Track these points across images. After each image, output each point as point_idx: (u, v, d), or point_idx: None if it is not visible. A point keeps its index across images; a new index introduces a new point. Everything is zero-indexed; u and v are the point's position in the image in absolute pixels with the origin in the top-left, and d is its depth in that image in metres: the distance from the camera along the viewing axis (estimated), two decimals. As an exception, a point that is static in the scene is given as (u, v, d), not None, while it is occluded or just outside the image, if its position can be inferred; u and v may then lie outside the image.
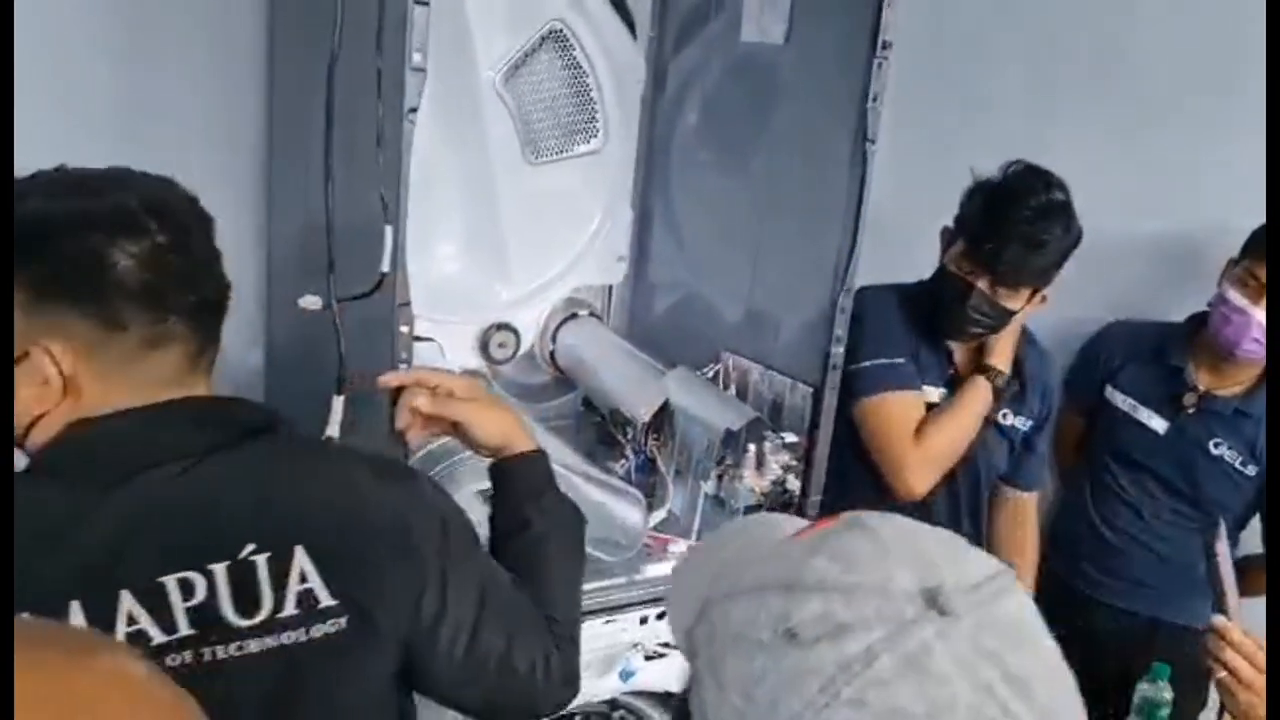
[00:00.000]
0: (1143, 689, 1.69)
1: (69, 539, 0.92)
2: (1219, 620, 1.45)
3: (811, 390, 1.68)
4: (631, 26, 1.84)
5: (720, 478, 1.69)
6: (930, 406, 1.95)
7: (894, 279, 1.99)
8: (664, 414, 1.73)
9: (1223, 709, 1.49)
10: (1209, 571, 1.55)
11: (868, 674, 0.55)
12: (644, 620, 1.59)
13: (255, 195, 1.71)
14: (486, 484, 1.33)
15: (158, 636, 0.93)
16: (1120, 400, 2.28)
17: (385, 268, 1.30)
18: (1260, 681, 1.40)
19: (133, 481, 0.94)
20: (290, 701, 0.98)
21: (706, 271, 1.91)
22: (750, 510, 1.67)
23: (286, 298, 1.40)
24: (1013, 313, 1.89)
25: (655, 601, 1.58)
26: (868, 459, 1.91)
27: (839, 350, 1.65)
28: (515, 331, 1.86)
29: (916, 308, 1.97)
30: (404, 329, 1.35)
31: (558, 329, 1.91)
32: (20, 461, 1.00)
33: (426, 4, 1.24)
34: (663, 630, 1.58)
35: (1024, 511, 2.18)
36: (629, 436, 1.77)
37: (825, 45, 1.62)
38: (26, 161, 1.01)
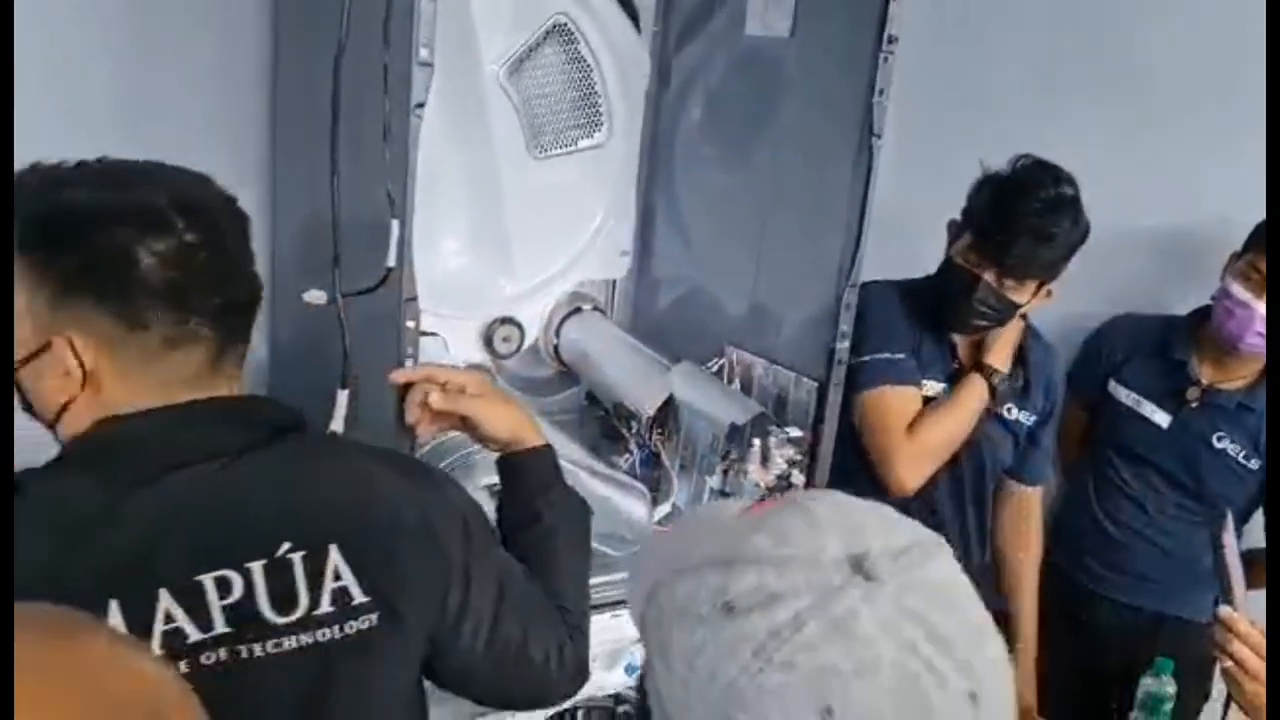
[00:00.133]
0: (1146, 683, 1.70)
1: (102, 536, 0.92)
2: (1225, 611, 1.46)
3: (816, 385, 1.67)
4: (636, 20, 1.83)
5: (725, 472, 1.68)
6: (929, 402, 1.96)
7: (898, 274, 1.99)
8: (668, 408, 1.73)
9: (1229, 700, 1.50)
10: (1216, 563, 1.55)
11: (796, 639, 0.58)
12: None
13: (259, 190, 1.70)
14: (495, 478, 1.34)
15: (194, 634, 0.93)
16: (1123, 394, 2.28)
17: (391, 262, 1.29)
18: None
19: (162, 481, 0.95)
20: (323, 698, 0.99)
21: (711, 266, 1.90)
22: (755, 505, 1.67)
23: (291, 292, 1.40)
24: (1019, 305, 1.89)
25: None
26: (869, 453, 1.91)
27: (844, 345, 1.65)
28: (519, 326, 1.86)
29: (920, 302, 1.97)
30: (410, 324, 1.34)
31: (562, 323, 1.91)
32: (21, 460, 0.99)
33: (433, -2, 1.24)
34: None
35: (1028, 506, 2.18)
36: (633, 431, 1.77)
37: (830, 39, 1.62)
38: (27, 159, 1.00)
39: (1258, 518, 2.24)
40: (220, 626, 0.94)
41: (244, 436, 1.00)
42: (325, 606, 0.98)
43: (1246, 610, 1.49)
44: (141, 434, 0.97)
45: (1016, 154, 1.87)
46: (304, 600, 0.98)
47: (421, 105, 1.26)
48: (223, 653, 0.94)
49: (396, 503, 1.05)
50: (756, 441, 1.66)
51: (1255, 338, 2.10)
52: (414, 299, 1.34)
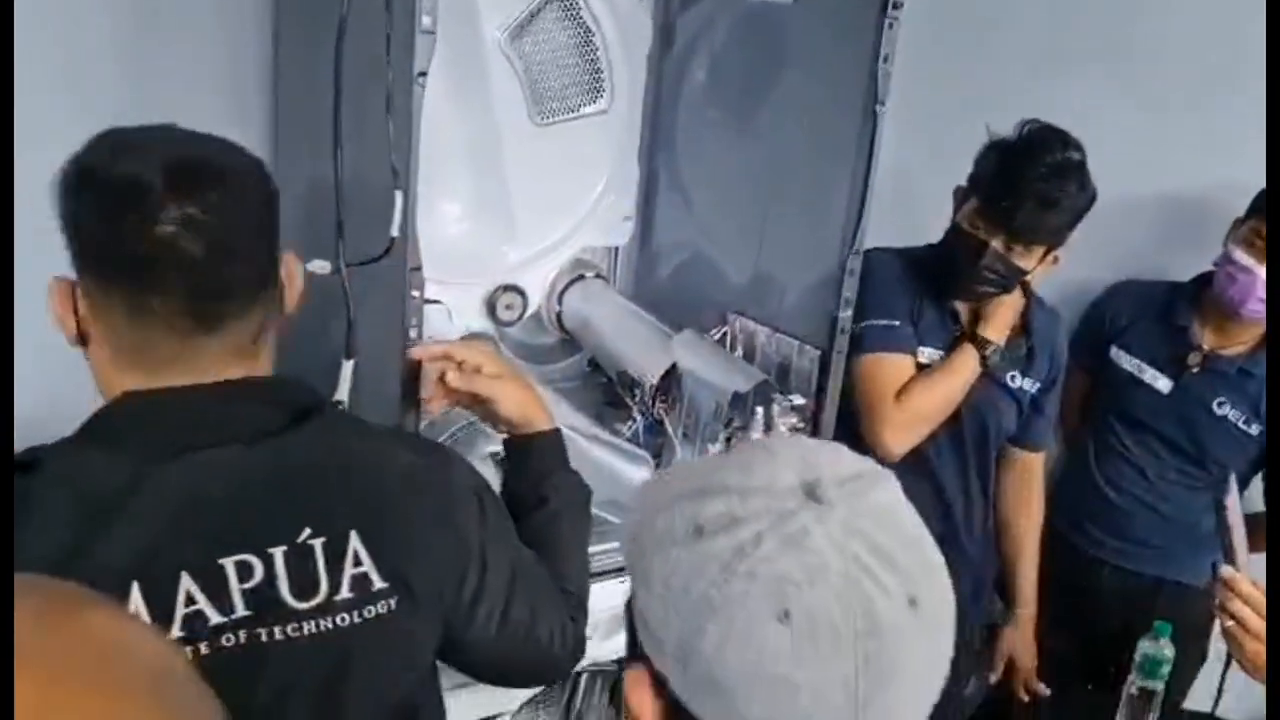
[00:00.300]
0: (1144, 646, 1.71)
1: (123, 514, 0.91)
2: (1228, 571, 1.47)
3: (819, 353, 1.68)
4: (637, -16, 1.82)
5: (728, 440, 1.69)
6: (923, 369, 1.96)
7: (901, 242, 1.98)
8: (672, 376, 1.73)
9: (1229, 660, 1.52)
10: (1218, 524, 1.56)
11: (756, 553, 0.66)
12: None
13: (262, 160, 1.69)
14: (498, 447, 1.34)
15: (215, 617, 0.93)
16: (1125, 360, 2.29)
17: (395, 232, 1.29)
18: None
19: (183, 460, 0.94)
20: (341, 682, 1.00)
21: (714, 233, 1.90)
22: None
23: (295, 262, 1.40)
24: (1025, 271, 1.88)
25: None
26: (868, 419, 1.92)
27: (847, 313, 1.65)
28: (522, 293, 1.86)
29: (922, 270, 1.97)
30: (415, 293, 1.34)
31: (564, 291, 1.91)
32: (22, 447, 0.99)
33: (435, -35, 1.23)
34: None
35: (1030, 471, 2.19)
36: (636, 399, 1.77)
37: (834, 5, 1.60)
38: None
39: (1257, 483, 2.25)
40: (241, 610, 0.94)
41: (267, 419, 1.00)
42: (345, 592, 0.99)
43: (1248, 571, 1.50)
44: (162, 411, 0.96)
45: (1023, 119, 1.86)
46: (324, 586, 0.98)
47: (424, 74, 1.25)
48: (242, 636, 0.94)
49: (414, 485, 1.06)
50: (759, 409, 1.66)
51: (1257, 303, 2.09)
52: (419, 268, 1.34)
